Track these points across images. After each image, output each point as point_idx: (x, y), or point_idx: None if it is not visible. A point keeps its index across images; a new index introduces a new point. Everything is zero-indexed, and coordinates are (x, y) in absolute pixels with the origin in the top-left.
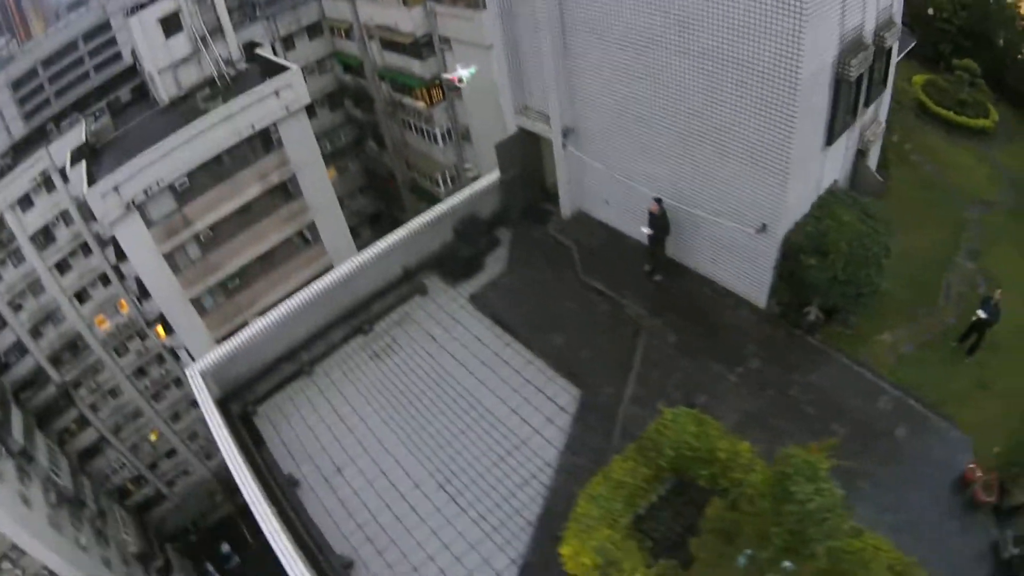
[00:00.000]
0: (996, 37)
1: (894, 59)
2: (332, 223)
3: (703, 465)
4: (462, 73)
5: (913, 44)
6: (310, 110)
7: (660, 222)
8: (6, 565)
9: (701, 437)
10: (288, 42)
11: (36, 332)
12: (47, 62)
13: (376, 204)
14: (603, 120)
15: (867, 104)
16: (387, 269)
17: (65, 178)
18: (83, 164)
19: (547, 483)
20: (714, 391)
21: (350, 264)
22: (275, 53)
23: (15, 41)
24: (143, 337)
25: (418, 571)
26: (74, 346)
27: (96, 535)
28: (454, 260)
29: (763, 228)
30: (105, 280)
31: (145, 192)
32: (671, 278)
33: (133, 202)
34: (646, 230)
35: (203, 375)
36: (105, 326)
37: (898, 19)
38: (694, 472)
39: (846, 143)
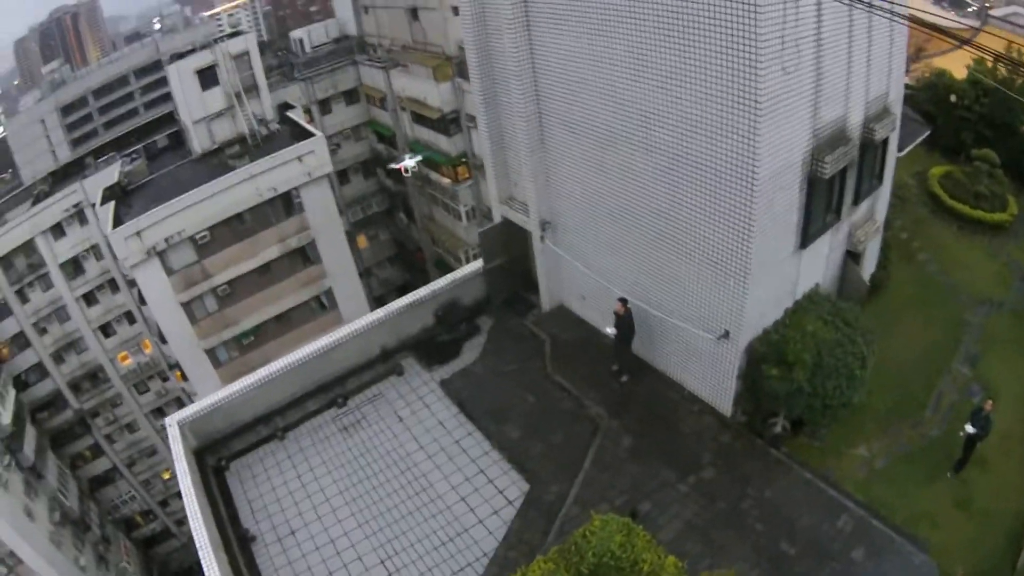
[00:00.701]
0: (1019, 125)
1: (892, 152)
2: (349, 290)
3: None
4: (408, 163)
5: (928, 133)
6: (343, 176)
7: (625, 323)
8: (1, 569)
9: (626, 547)
10: (325, 106)
11: (59, 357)
12: (98, 92)
13: (403, 275)
14: (578, 215)
15: (856, 202)
16: (366, 347)
17: (96, 214)
18: (111, 204)
19: (480, 573)
20: (660, 499)
21: (329, 338)
22: (311, 116)
23: (69, 66)
24: (164, 379)
25: None
26: (95, 376)
27: (97, 559)
28: (431, 344)
29: (725, 335)
30: (130, 318)
31: (166, 240)
32: (638, 379)
33: (154, 248)
34: (610, 331)
35: (181, 425)
36: (127, 362)
37: (896, 108)
38: None
39: (830, 244)
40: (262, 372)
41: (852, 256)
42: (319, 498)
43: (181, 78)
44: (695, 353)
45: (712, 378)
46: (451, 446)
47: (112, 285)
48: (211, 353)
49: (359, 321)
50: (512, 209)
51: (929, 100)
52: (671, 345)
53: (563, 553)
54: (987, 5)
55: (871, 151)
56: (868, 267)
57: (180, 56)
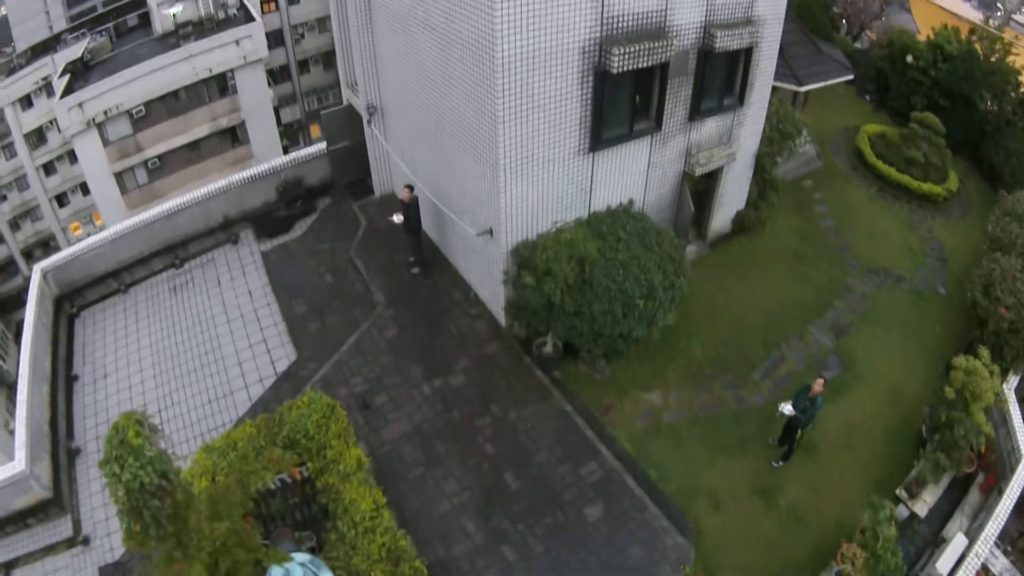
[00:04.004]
0: (979, 99)
1: (762, 73)
2: None
3: (310, 456)
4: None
5: (850, 78)
6: (304, 65)
7: (409, 212)
8: None
9: (320, 428)
10: None
11: (15, 225)
12: None
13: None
14: (394, 101)
15: (693, 117)
16: (211, 215)
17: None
18: (66, 77)
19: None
20: (398, 395)
21: (173, 203)
22: (276, 5)
23: None
24: None
25: None
26: (47, 245)
27: None
28: (269, 219)
29: (488, 232)
30: (85, 189)
31: (105, 113)
32: (431, 274)
33: (93, 120)
34: (397, 218)
35: (45, 271)
36: (78, 232)
37: (771, 24)
38: (306, 460)
39: (649, 158)
40: (115, 228)
41: (693, 181)
42: (133, 348)
43: None
44: (475, 252)
45: (488, 281)
46: (249, 313)
47: (71, 156)
48: None
49: (202, 189)
50: (353, 93)
51: (884, 57)
52: (458, 241)
53: (267, 422)
54: (1010, 9)
55: (717, 62)
56: (728, 201)
57: None
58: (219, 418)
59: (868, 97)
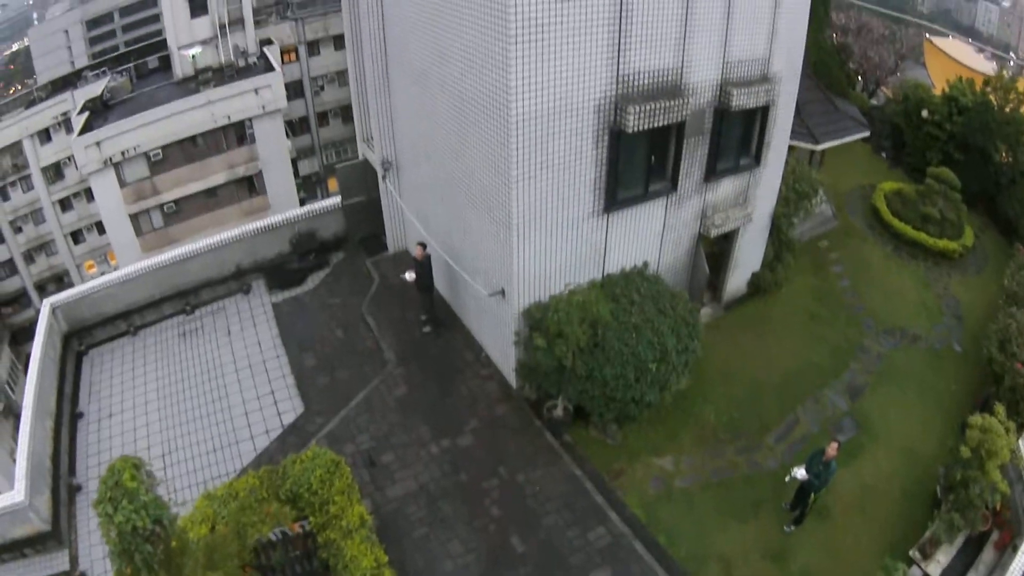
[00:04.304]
0: (994, 151)
1: (778, 131)
2: None
3: (312, 510)
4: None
5: (867, 134)
6: (323, 118)
7: (422, 270)
8: None
9: (324, 484)
10: (313, 47)
11: (29, 257)
12: (125, 9)
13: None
14: (410, 157)
15: (709, 177)
16: (224, 263)
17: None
18: (85, 114)
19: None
20: (405, 454)
21: (187, 249)
22: (296, 56)
23: None
24: None
25: None
26: (60, 280)
27: None
28: (281, 270)
29: (500, 293)
30: (100, 229)
31: (123, 153)
32: (443, 332)
33: (111, 159)
34: (409, 276)
35: (54, 306)
36: (93, 271)
37: (788, 82)
38: (308, 514)
39: (664, 220)
40: (126, 270)
41: (709, 242)
42: (140, 390)
43: (172, 4)
44: (487, 312)
45: (499, 342)
46: (258, 364)
47: (88, 194)
48: None
49: (215, 237)
50: (369, 148)
51: (900, 113)
52: (470, 301)
53: (271, 474)
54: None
55: (733, 121)
56: (744, 262)
57: None
58: (223, 467)
59: (884, 154)
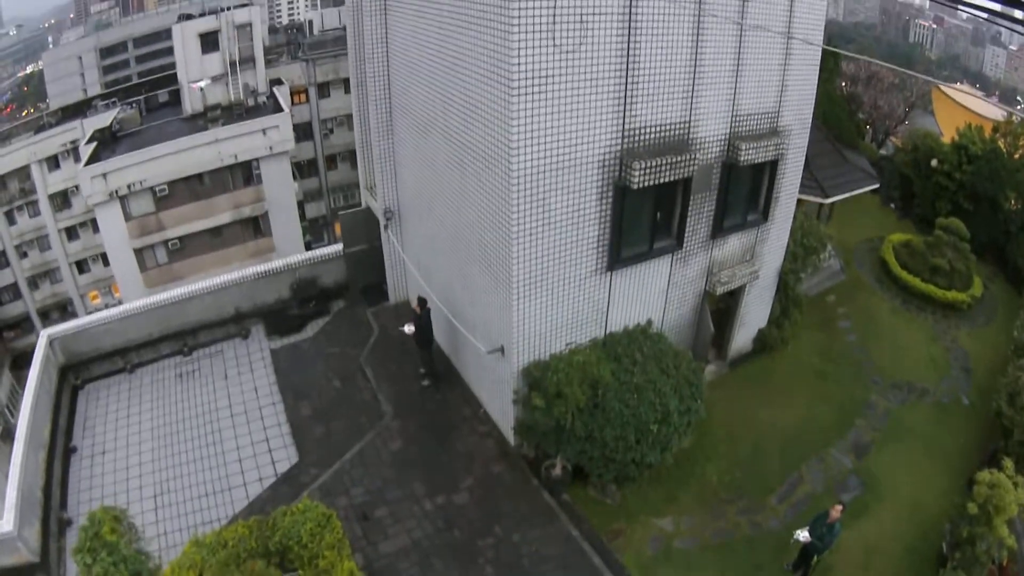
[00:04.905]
0: (1004, 200)
1: (786, 187)
2: None
3: (301, 564)
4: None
5: (876, 186)
6: (332, 161)
7: (421, 324)
8: None
9: (315, 537)
10: (323, 89)
11: (33, 283)
12: (140, 40)
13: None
14: (412, 207)
15: (716, 234)
16: (223, 306)
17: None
18: (93, 144)
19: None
20: (398, 510)
21: (186, 289)
22: (306, 97)
23: (119, 8)
24: None
25: None
26: (64, 308)
27: None
28: (281, 316)
29: (500, 350)
30: (106, 260)
31: (129, 187)
32: (442, 387)
33: (116, 192)
34: (408, 329)
35: (52, 338)
36: (96, 301)
37: (797, 136)
38: (297, 567)
39: (670, 277)
40: (125, 307)
41: (714, 299)
42: (134, 429)
43: (184, 39)
44: (485, 369)
45: (498, 399)
46: (254, 411)
47: (94, 224)
48: None
49: (213, 280)
50: (372, 196)
51: (909, 163)
52: (470, 356)
53: (260, 524)
54: None
55: (741, 176)
56: (750, 320)
57: (188, 17)
58: (213, 512)
59: (893, 205)
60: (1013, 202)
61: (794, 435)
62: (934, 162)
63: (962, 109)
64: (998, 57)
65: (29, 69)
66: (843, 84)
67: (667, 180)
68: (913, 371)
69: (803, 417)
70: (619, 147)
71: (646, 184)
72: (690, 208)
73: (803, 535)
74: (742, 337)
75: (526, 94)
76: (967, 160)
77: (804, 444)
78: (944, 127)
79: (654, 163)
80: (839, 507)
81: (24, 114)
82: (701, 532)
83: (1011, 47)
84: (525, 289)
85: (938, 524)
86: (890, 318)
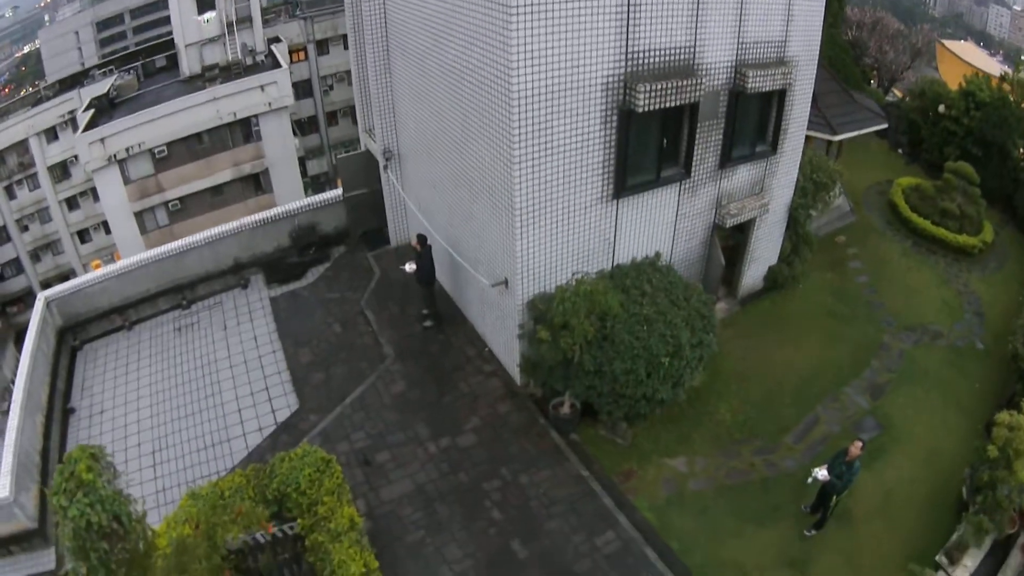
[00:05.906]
0: (1012, 148)
1: (795, 119)
2: None
3: (300, 511)
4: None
5: (885, 126)
6: (332, 117)
7: (422, 262)
8: None
9: (313, 483)
10: (322, 46)
11: (36, 256)
12: (136, 11)
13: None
14: (412, 147)
15: (724, 164)
16: (221, 257)
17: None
18: (90, 112)
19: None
20: (401, 454)
21: (183, 242)
22: (305, 54)
23: None
24: None
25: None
26: (66, 279)
27: None
28: (280, 264)
29: (504, 283)
30: (107, 228)
31: (127, 150)
32: (445, 328)
33: (115, 156)
34: (409, 268)
35: (49, 300)
36: (100, 271)
37: (805, 65)
38: (296, 515)
39: (677, 208)
40: (121, 263)
41: (723, 234)
42: (133, 386)
43: (180, 1)
44: (490, 305)
45: (503, 336)
46: (253, 360)
47: (95, 193)
48: None
49: (211, 231)
50: (371, 138)
51: (916, 108)
52: (473, 293)
53: (258, 472)
54: None
55: (749, 105)
56: (760, 256)
57: None
58: (213, 465)
59: (900, 150)
60: (1022, 150)
61: (808, 375)
62: (941, 107)
63: (966, 65)
64: (1002, 17)
65: (27, 49)
66: (848, 30)
67: (673, 105)
68: (926, 314)
69: (817, 356)
70: (623, 70)
71: (651, 108)
72: (697, 136)
73: (821, 473)
74: (752, 274)
75: (524, 14)
76: (975, 106)
77: (818, 384)
78: (949, 82)
79: (659, 86)
80: (859, 443)
81: (21, 94)
82: (715, 473)
83: (1015, 7)
84: (529, 216)
85: (957, 468)
86: (901, 260)
